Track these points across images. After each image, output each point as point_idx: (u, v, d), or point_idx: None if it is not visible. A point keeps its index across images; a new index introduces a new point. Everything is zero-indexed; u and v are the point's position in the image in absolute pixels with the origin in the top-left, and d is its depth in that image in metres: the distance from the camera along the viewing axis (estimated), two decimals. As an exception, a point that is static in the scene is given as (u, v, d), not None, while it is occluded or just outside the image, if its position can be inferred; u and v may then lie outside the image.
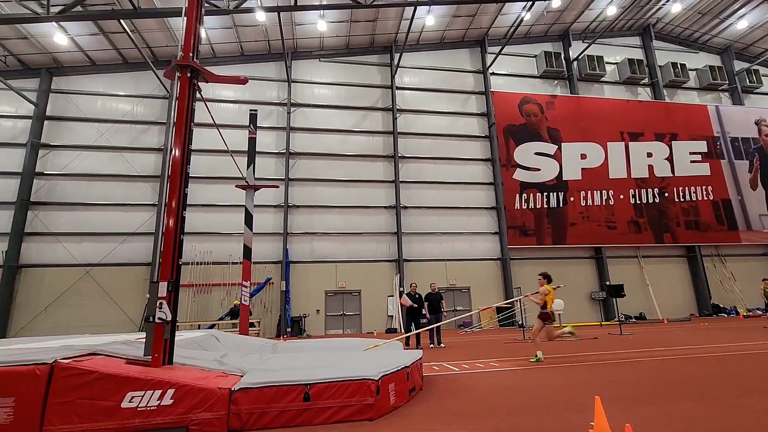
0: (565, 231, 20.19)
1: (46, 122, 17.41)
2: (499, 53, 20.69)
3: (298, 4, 14.36)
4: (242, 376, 3.88)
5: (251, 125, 10.21)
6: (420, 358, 5.05)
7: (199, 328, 15.20)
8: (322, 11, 16.92)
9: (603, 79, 22.97)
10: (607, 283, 18.84)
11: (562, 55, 22.52)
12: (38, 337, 7.24)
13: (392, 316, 18.26)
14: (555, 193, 20.51)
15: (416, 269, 18.73)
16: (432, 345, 10.50)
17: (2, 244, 15.79)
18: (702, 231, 21.40)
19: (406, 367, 4.33)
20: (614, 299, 16.43)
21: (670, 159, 22.10)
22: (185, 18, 5.30)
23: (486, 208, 20.26)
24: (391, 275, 18.68)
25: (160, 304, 4.26)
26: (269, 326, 17.09)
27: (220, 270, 17.01)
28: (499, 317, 18.01)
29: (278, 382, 3.62)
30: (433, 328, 10.42)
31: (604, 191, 20.95)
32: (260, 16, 15.91)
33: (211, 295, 16.84)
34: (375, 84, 20.69)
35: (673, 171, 21.96)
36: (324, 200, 18.77)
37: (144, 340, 4.34)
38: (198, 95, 5.34)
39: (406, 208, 19.35)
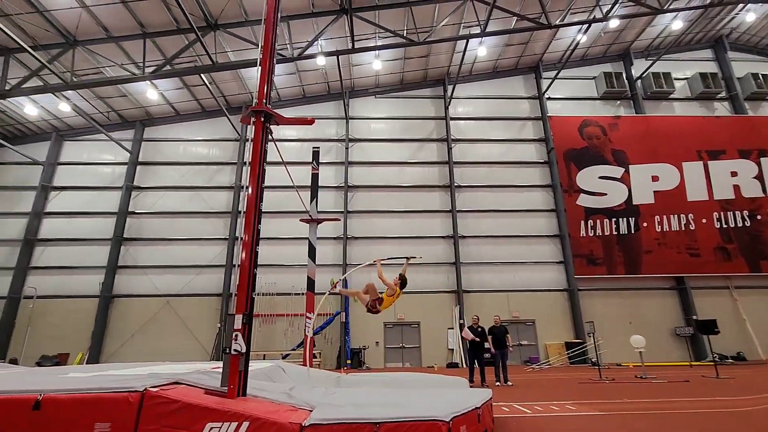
0: (639, 259, 18.63)
1: (138, 167, 19.67)
2: (555, 78, 20.28)
3: (355, 47, 15.25)
4: (311, 411, 3.95)
5: (314, 161, 10.74)
6: (490, 399, 4.82)
7: (264, 358, 15.72)
8: (377, 51, 17.79)
9: (672, 96, 21.52)
10: (695, 317, 16.92)
11: (624, 75, 21.54)
12: (127, 363, 7.89)
13: (453, 349, 17.67)
14: (625, 219, 19.14)
15: (476, 300, 18.14)
16: (498, 382, 9.98)
17: (100, 276, 17.73)
18: (809, 258, 18.71)
19: (476, 408, 4.16)
20: (705, 336, 14.66)
21: (760, 177, 19.86)
22: (260, 68, 5.83)
23: (548, 236, 19.35)
24: (450, 307, 18.23)
25: (236, 335, 4.50)
26: (330, 357, 17.27)
27: (284, 301, 17.65)
28: (568, 353, 16.75)
29: (347, 419, 3.64)
30: (498, 363, 9.95)
31: (682, 215, 19.20)
32: (320, 61, 17.08)
33: (275, 326, 17.44)
34: (429, 116, 21.07)
35: (764, 191, 19.67)
36: (382, 231, 19.02)
37: (219, 369, 4.59)
38: (270, 137, 5.79)
39: (464, 237, 19.03)
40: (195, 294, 17.90)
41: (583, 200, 19.47)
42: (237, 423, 3.62)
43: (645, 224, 19.06)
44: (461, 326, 17.20)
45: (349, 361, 16.70)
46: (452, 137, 20.43)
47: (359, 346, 17.18)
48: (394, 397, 4.65)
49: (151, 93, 17.86)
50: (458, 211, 19.27)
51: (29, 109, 17.51)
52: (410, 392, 5.05)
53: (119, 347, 17.15)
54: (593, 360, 15.57)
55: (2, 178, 19.25)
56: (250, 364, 5.79)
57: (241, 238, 5.16)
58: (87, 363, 16.06)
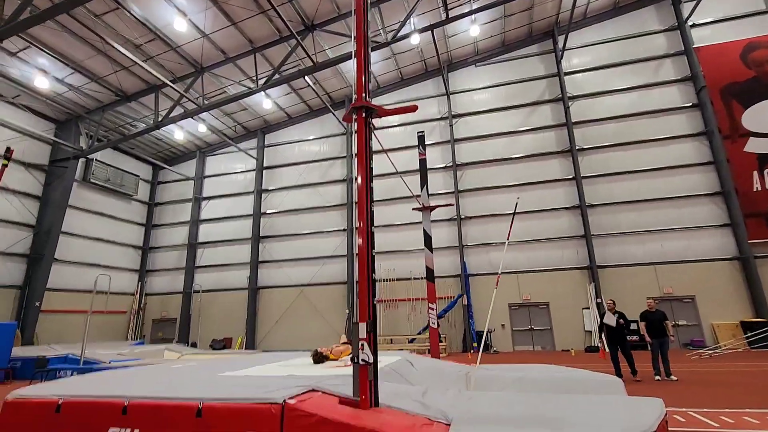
0: None
1: (264, 171, 21.87)
2: (702, -2, 16.26)
3: (449, 16, 14.27)
4: (448, 425, 3.68)
5: (420, 146, 10.43)
6: (665, 415, 3.95)
7: (392, 342, 16.33)
8: (473, 16, 16.42)
9: None
10: None
11: (810, -29, 16.26)
12: (274, 355, 8.73)
13: (590, 331, 15.97)
14: (823, 162, 14.73)
15: (614, 276, 16.02)
16: (658, 376, 8.52)
17: (246, 271, 20.42)
18: None
19: (650, 432, 3.39)
20: None
21: None
22: (355, 61, 5.59)
23: (705, 194, 15.96)
24: (584, 285, 16.43)
25: (362, 345, 4.45)
26: (455, 341, 17.11)
27: (404, 286, 17.95)
28: (747, 337, 13.72)
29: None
30: (657, 354, 8.52)
31: None
32: (415, 40, 16.42)
33: (398, 310, 17.91)
34: (538, 75, 18.91)
35: None
36: (497, 208, 17.90)
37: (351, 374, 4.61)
38: (373, 130, 5.57)
39: (592, 206, 16.85)
40: (323, 283, 19.36)
41: (755, 145, 15.50)
42: (372, 439, 3.54)
43: None
44: (598, 306, 15.40)
45: (475, 344, 16.33)
46: (568, 95, 18.03)
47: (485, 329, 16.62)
48: (542, 408, 4.12)
49: (266, 103, 19.50)
50: (584, 178, 17.08)
51: (177, 134, 20.61)
52: (558, 401, 4.44)
53: (267, 333, 19.57)
54: (786, 343, 12.51)
55: (168, 194, 23.27)
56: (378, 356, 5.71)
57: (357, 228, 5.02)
58: (245, 347, 18.78)
